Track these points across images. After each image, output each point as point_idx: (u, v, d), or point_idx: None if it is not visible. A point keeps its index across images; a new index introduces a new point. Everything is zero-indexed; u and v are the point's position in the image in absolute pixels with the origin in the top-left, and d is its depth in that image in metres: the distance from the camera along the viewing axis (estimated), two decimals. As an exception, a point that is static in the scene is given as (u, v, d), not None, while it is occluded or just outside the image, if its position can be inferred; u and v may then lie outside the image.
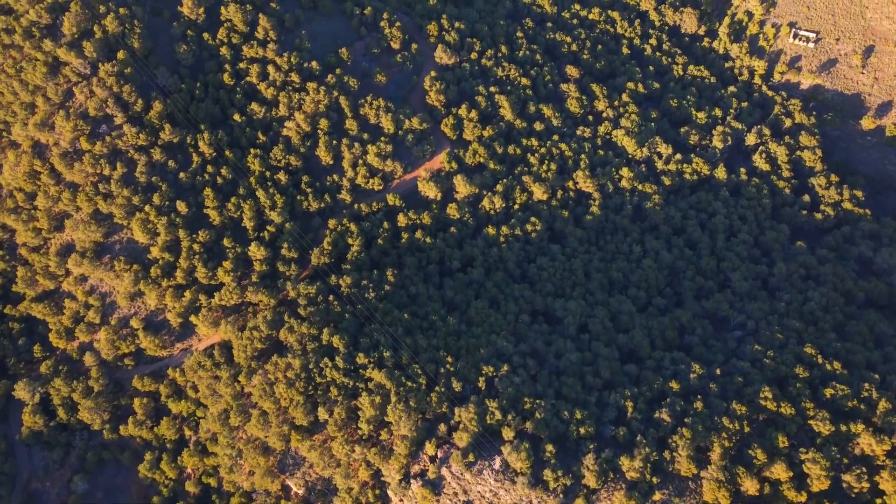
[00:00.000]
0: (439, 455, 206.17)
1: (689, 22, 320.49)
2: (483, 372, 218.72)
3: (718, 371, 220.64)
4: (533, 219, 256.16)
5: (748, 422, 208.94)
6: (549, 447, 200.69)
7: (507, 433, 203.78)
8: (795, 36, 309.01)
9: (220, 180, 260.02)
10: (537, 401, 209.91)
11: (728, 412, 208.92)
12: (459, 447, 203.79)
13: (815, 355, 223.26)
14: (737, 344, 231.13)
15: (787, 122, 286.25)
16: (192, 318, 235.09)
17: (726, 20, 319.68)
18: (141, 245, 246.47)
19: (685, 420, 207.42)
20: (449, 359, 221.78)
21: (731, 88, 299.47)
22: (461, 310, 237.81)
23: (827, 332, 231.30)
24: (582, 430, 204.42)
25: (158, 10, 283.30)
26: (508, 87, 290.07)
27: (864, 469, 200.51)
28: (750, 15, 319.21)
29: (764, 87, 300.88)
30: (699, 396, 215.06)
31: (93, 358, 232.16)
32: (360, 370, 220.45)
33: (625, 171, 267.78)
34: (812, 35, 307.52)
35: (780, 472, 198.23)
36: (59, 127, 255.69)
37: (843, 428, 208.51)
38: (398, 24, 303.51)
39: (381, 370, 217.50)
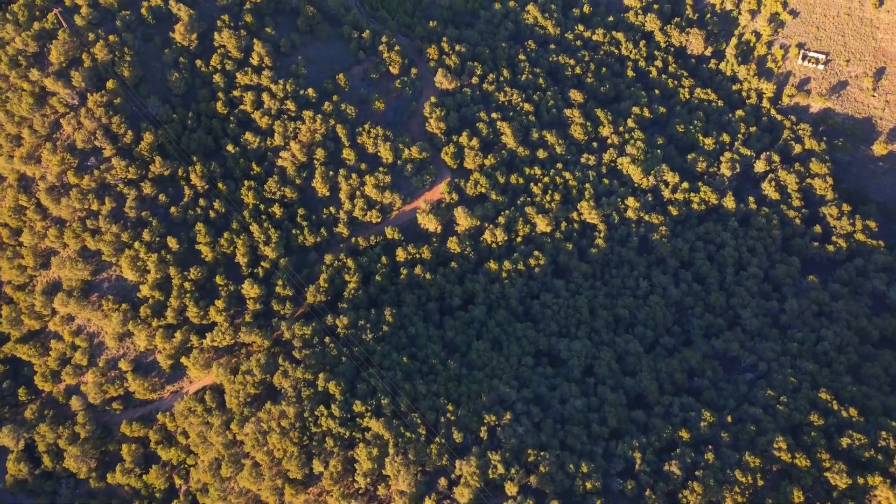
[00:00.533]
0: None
1: (695, 43, 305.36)
2: (485, 421, 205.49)
3: (730, 418, 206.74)
4: (536, 252, 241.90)
5: (762, 474, 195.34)
6: (555, 503, 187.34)
7: (511, 488, 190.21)
8: (804, 57, 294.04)
9: (212, 214, 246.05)
10: (541, 453, 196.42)
11: (741, 464, 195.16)
12: (461, 503, 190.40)
13: (829, 401, 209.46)
14: (748, 388, 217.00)
15: (797, 148, 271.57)
16: (183, 360, 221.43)
17: (733, 41, 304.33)
18: (130, 283, 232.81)
19: (696, 473, 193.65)
20: (449, 407, 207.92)
21: (739, 112, 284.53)
22: (462, 352, 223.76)
23: (842, 374, 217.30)
24: (588, 485, 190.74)
25: (150, 35, 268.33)
26: (511, 113, 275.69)
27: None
28: (758, 35, 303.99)
29: (772, 111, 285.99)
30: (710, 447, 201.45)
31: (79, 402, 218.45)
32: (357, 419, 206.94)
33: (630, 201, 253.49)
34: (821, 56, 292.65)
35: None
36: (45, 160, 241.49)
37: (860, 480, 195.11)
38: (397, 47, 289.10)
39: (379, 419, 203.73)
